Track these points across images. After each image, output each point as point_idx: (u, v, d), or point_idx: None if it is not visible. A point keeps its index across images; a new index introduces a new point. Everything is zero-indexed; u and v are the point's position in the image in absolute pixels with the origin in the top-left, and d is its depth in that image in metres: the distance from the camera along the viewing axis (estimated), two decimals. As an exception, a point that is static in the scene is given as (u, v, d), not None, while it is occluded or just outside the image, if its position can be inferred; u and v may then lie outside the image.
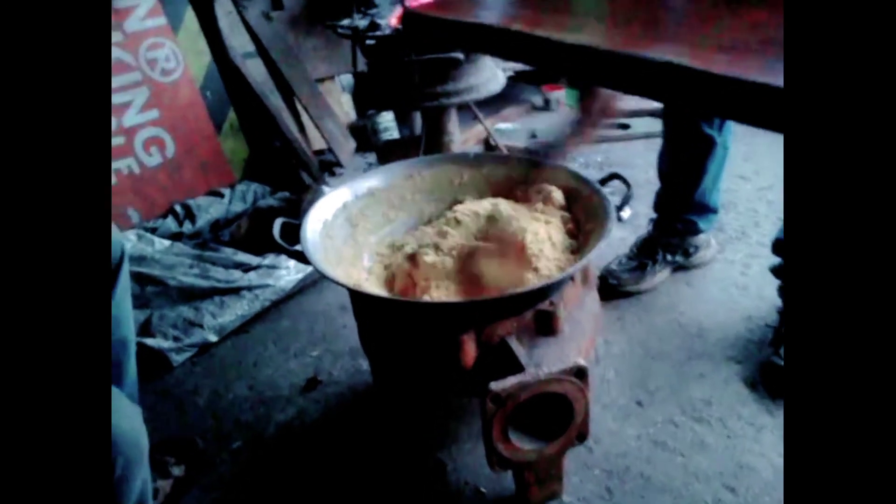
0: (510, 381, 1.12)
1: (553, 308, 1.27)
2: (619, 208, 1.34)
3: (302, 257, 1.26)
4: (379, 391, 1.63)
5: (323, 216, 1.41)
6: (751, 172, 2.50)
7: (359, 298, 1.37)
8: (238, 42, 2.55)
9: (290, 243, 1.37)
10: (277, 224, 1.36)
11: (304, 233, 1.31)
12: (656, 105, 3.09)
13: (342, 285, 1.17)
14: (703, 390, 1.55)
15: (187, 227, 2.31)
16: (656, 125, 2.95)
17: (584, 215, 1.41)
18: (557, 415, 1.22)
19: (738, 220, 2.22)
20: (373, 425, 1.55)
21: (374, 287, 1.36)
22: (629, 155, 2.82)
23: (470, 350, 1.22)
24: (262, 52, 2.67)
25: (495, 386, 1.12)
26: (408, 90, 2.06)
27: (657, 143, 2.86)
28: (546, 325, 1.28)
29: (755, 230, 2.14)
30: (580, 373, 1.16)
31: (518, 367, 1.18)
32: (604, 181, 1.43)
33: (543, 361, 1.26)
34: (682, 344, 1.70)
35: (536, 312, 1.26)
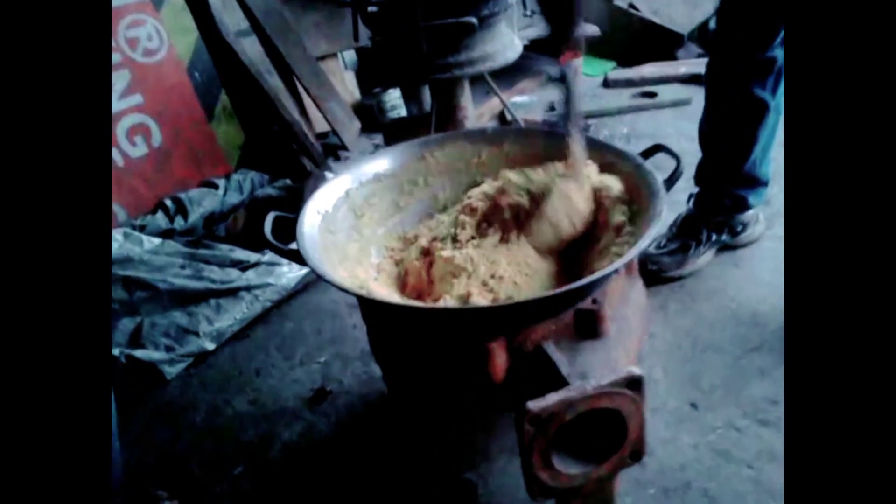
0: (552, 399, 0.93)
1: (596, 307, 1.08)
2: (668, 186, 1.13)
3: (299, 257, 1.07)
4: (394, 402, 1.45)
5: (322, 207, 1.22)
6: (795, 138, 2.26)
7: (367, 304, 1.18)
8: (231, 19, 2.35)
9: (287, 241, 1.19)
10: (269, 219, 1.17)
11: (301, 228, 1.13)
12: (684, 70, 2.86)
13: (346, 290, 0.98)
14: (766, 388, 1.35)
15: (179, 222, 2.12)
16: (685, 92, 2.74)
17: (626, 195, 1.21)
18: (606, 427, 1.03)
19: (786, 191, 2.00)
20: (390, 441, 1.37)
21: (384, 288, 1.18)
22: (658, 125, 2.60)
23: (500, 360, 1.05)
24: (257, 29, 2.47)
25: (534, 405, 0.93)
26: (416, 62, 1.86)
27: (687, 112, 2.68)
28: (589, 327, 1.09)
29: (806, 202, 1.92)
30: (634, 383, 0.97)
31: (559, 380, 1.00)
32: (646, 154, 1.23)
33: (588, 370, 1.07)
34: (735, 334, 1.50)
35: (577, 312, 1.07)
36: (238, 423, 1.51)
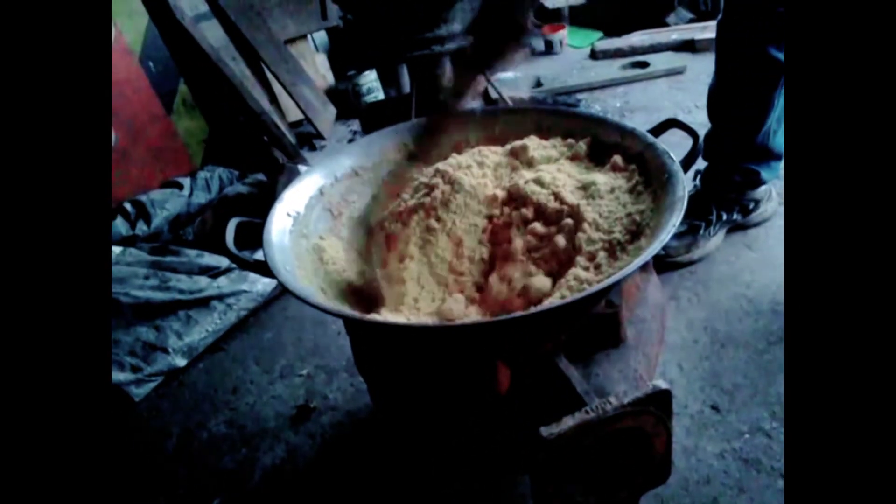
0: (567, 424, 0.81)
1: (613, 310, 0.94)
2: (686, 167, 0.99)
3: (266, 270, 0.92)
4: (382, 420, 1.31)
5: (293, 209, 1.07)
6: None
7: (352, 322, 1.04)
8: (187, 2, 2.16)
9: (257, 249, 1.04)
10: (231, 228, 1.01)
11: (268, 236, 0.97)
12: (675, 37, 2.71)
13: (322, 309, 0.83)
14: (794, 384, 1.22)
15: (141, 228, 1.95)
16: (678, 60, 2.60)
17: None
18: (625, 444, 0.90)
19: (795, 162, 1.87)
20: (381, 464, 1.23)
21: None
22: (652, 96, 2.45)
23: (505, 377, 0.91)
24: (217, 12, 2.29)
25: (548, 432, 0.80)
26: (391, 39, 1.70)
27: (682, 82, 2.55)
28: (605, 334, 0.96)
29: (818, 173, 1.79)
30: (661, 399, 0.84)
31: (574, 399, 0.87)
32: (657, 131, 1.08)
33: (606, 384, 0.95)
34: (755, 325, 1.38)
35: (592, 318, 0.94)
36: (214, 448, 1.36)
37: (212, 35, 2.19)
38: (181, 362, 1.55)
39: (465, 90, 1.06)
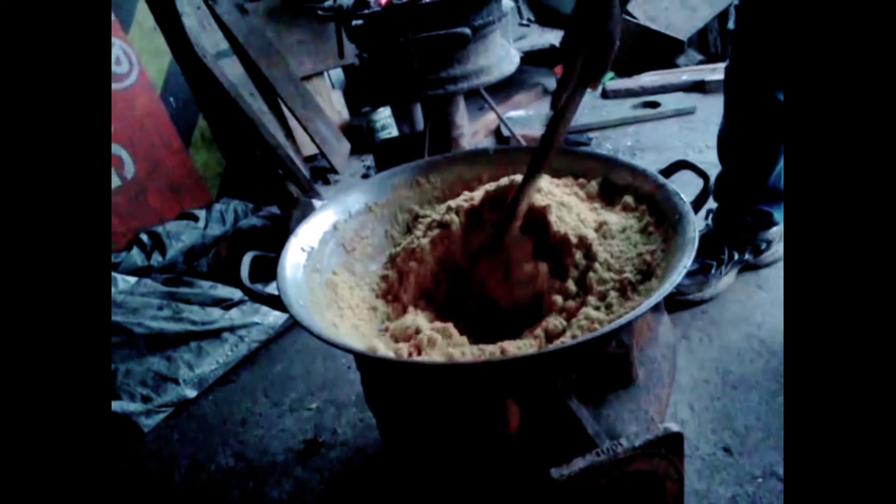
0: (578, 466, 0.80)
1: (624, 350, 0.94)
2: (696, 208, 1.00)
3: (279, 304, 0.94)
4: (391, 456, 1.31)
5: (307, 243, 1.09)
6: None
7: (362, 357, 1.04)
8: (208, 40, 2.21)
9: (271, 281, 1.05)
10: (246, 261, 1.02)
11: (282, 270, 0.99)
12: (686, 78, 2.75)
13: (334, 345, 0.84)
14: (807, 428, 1.21)
15: (156, 259, 1.98)
16: (688, 101, 2.62)
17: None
18: (636, 486, 0.89)
19: (806, 203, 1.87)
20: (389, 502, 1.22)
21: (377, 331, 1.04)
22: (663, 136, 2.47)
23: (515, 416, 0.91)
24: (237, 49, 2.34)
25: (558, 473, 0.80)
26: (406, 77, 1.73)
27: (692, 122, 2.57)
28: (616, 375, 0.96)
29: (829, 215, 1.79)
30: (673, 442, 0.84)
31: (585, 441, 0.86)
32: (668, 172, 1.10)
33: (617, 425, 0.94)
34: (767, 366, 1.36)
35: (602, 358, 0.94)
36: (222, 481, 1.36)
37: (231, 71, 2.24)
38: (191, 393, 1.56)
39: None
